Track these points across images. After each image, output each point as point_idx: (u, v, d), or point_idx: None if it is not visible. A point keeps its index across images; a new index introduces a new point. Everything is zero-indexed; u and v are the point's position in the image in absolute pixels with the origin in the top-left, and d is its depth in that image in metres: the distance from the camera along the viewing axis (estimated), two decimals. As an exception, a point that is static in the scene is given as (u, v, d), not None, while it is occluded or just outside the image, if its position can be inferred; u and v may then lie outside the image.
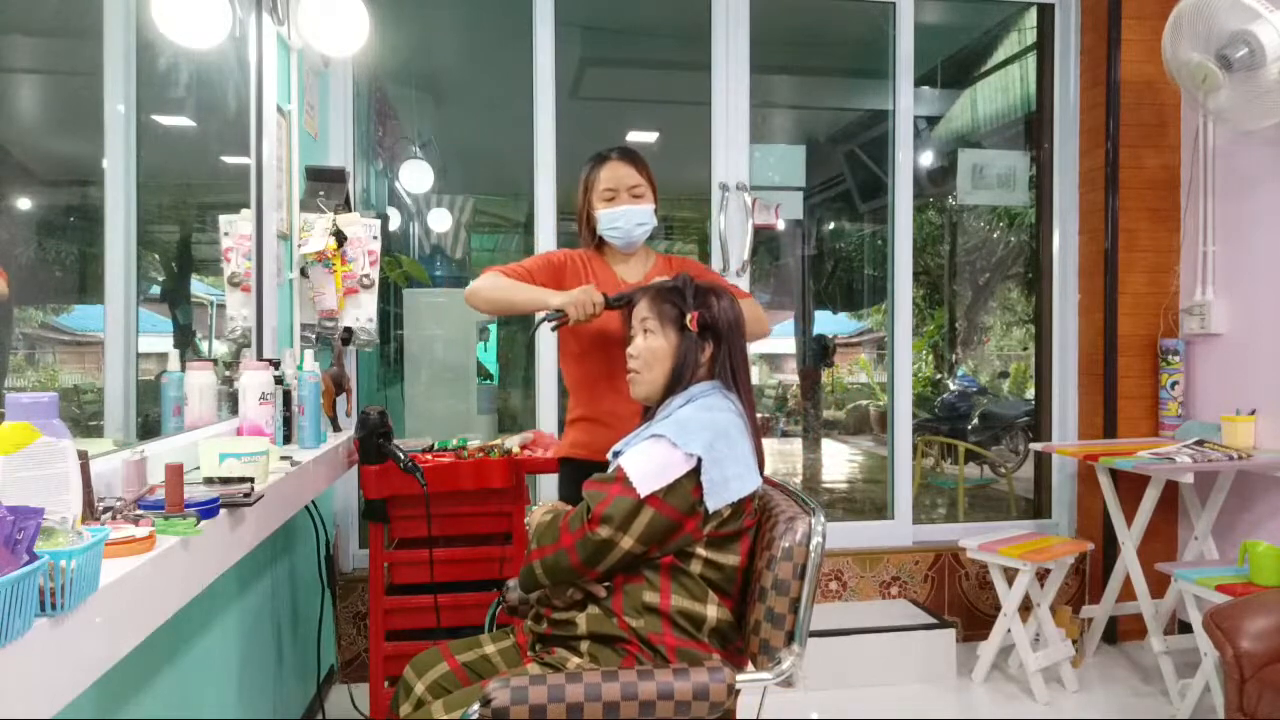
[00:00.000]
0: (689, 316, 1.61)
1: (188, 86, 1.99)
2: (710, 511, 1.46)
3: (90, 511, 1.11)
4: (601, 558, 1.46)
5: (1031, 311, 5.44)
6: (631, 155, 2.18)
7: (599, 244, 2.23)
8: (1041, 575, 3.13)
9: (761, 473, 1.61)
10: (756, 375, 10.69)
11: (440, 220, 5.21)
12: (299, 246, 2.48)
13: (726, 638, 1.53)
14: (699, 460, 1.46)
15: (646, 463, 1.47)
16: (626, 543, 1.44)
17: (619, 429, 1.80)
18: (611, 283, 2.17)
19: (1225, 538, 3.18)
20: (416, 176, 4.47)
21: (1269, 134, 3.00)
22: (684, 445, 1.46)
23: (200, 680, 1.73)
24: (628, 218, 2.13)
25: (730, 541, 1.51)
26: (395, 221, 4.80)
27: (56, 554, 0.84)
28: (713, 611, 1.49)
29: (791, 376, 10.29)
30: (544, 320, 2.00)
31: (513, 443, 2.39)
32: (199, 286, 2.21)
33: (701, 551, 1.49)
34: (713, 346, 1.62)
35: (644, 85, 5.45)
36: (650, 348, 1.63)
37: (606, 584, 1.52)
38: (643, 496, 1.44)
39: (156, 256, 1.99)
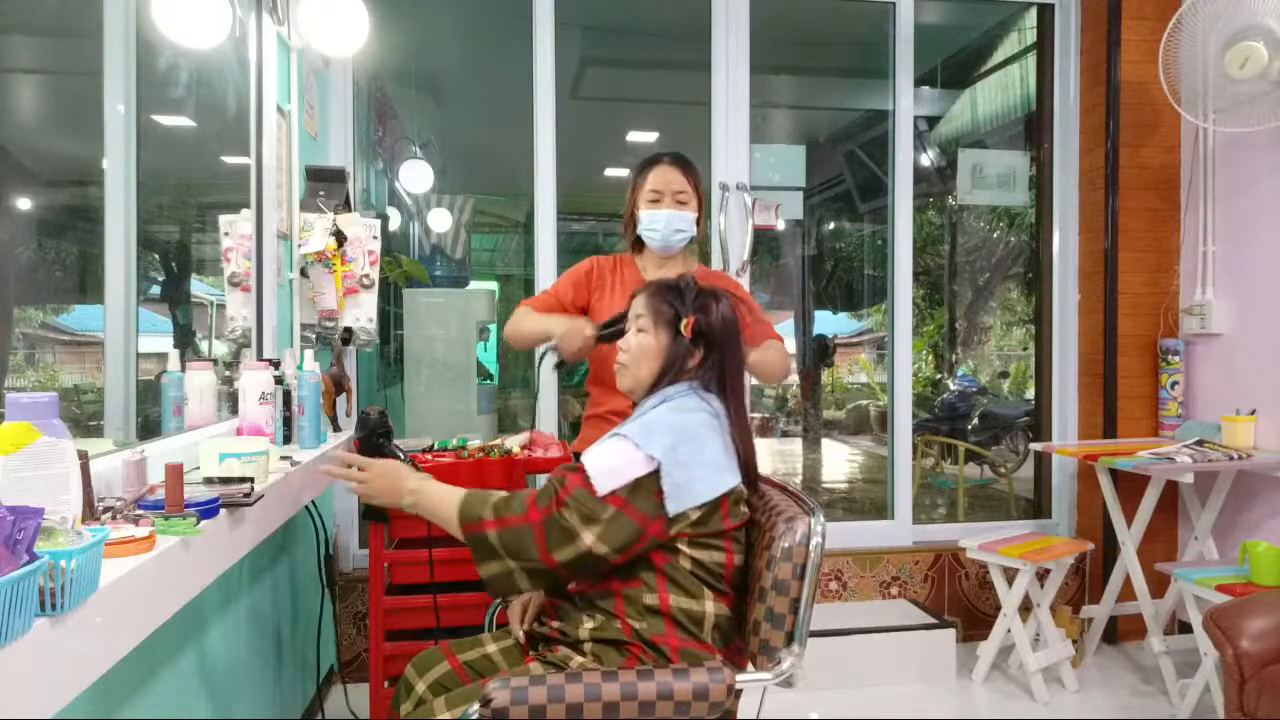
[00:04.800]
0: (684, 322, 1.58)
1: (188, 86, 1.99)
2: (672, 515, 1.43)
3: (90, 511, 1.11)
4: (564, 545, 1.42)
5: (1031, 311, 5.44)
6: (683, 162, 2.22)
7: (638, 247, 2.25)
8: (1041, 575, 3.13)
9: (749, 472, 1.57)
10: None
11: (440, 220, 5.21)
12: (299, 246, 2.48)
13: (727, 634, 1.52)
14: (660, 463, 1.43)
15: (604, 459, 1.45)
16: (589, 538, 1.41)
17: None
18: (639, 285, 2.21)
19: (1225, 538, 3.18)
20: (416, 176, 4.47)
21: (1269, 134, 3.01)
22: (645, 447, 1.44)
23: (200, 680, 1.73)
24: (668, 222, 2.18)
25: (713, 539, 1.49)
26: (395, 221, 4.81)
27: (56, 554, 0.84)
28: (710, 607, 1.48)
29: (792, 376, 10.28)
30: (545, 354, 2.02)
31: (513, 443, 2.38)
32: (199, 286, 2.20)
33: (686, 549, 1.47)
34: (704, 352, 1.59)
35: (644, 85, 5.46)
36: (640, 344, 1.61)
37: (579, 599, 1.50)
38: (600, 495, 1.41)
39: (156, 256, 1.99)
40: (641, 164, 2.26)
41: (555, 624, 1.55)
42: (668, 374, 1.58)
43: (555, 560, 1.43)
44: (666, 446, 1.44)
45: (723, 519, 1.49)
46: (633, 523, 1.42)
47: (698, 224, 2.25)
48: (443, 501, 1.53)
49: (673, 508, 1.43)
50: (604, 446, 1.49)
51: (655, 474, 1.43)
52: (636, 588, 1.47)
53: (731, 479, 1.50)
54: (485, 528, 1.46)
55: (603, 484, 1.42)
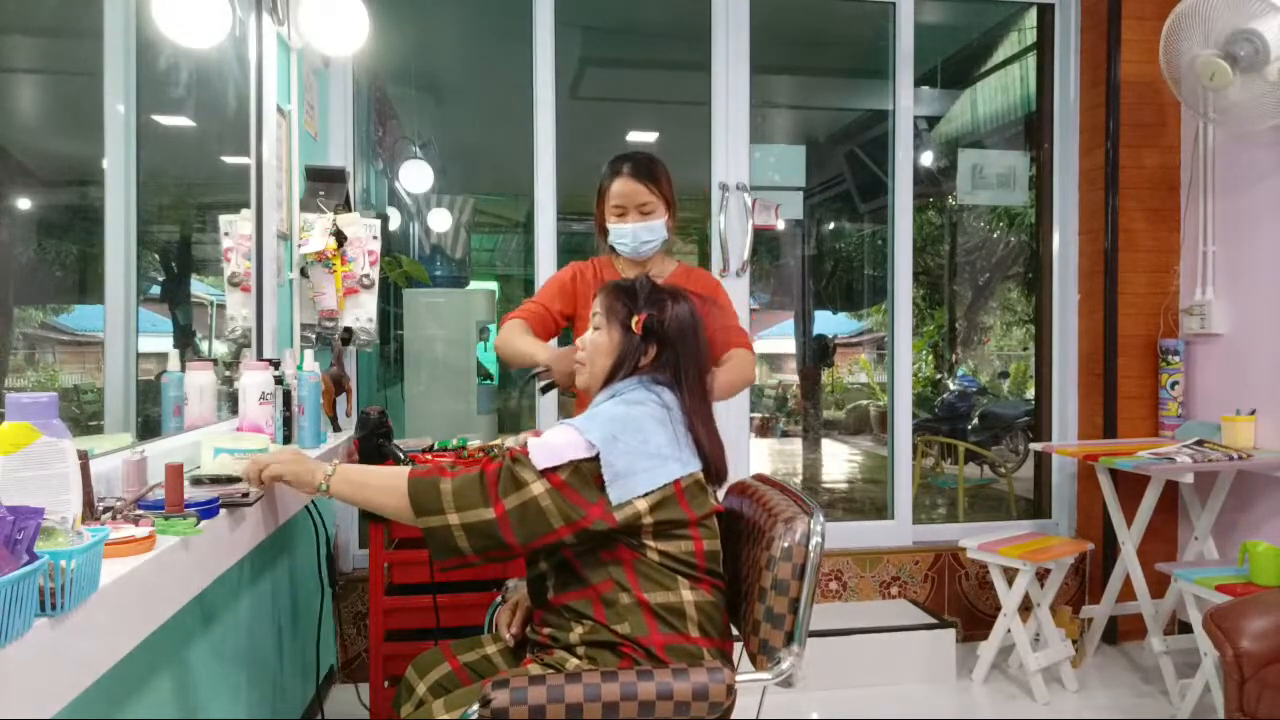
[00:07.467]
0: (635, 319, 1.60)
1: (188, 86, 1.99)
2: (616, 503, 1.44)
3: (90, 511, 1.11)
4: (513, 491, 1.43)
5: (1031, 311, 5.44)
6: (643, 170, 2.17)
7: (615, 248, 2.26)
8: (1041, 575, 3.13)
9: (712, 463, 1.57)
10: (756, 375, 10.70)
11: (440, 220, 5.21)
12: (299, 246, 2.48)
13: (714, 621, 1.52)
14: (599, 450, 1.45)
15: (546, 439, 1.48)
16: (538, 487, 1.43)
17: None
18: None
19: (1225, 538, 3.18)
20: (416, 176, 4.47)
21: (1269, 134, 3.00)
22: (586, 433, 1.46)
23: (200, 680, 1.73)
24: (634, 235, 2.18)
25: (678, 529, 1.49)
26: (395, 221, 4.81)
27: (56, 554, 0.84)
28: (687, 595, 1.48)
29: (791, 376, 10.30)
30: (534, 378, 2.05)
31: (513, 443, 2.38)
32: (199, 286, 2.21)
33: (651, 543, 1.48)
34: (657, 349, 1.61)
35: (644, 85, 5.45)
36: (595, 342, 1.64)
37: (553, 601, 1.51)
38: (540, 469, 1.43)
39: (156, 256, 2.00)
40: (605, 170, 2.22)
41: (546, 631, 1.55)
42: (620, 370, 1.61)
43: (504, 506, 1.43)
44: (607, 435, 1.46)
45: (683, 509, 1.49)
46: (571, 503, 1.43)
47: (672, 219, 2.22)
48: (377, 469, 1.56)
49: (615, 496, 1.44)
50: (550, 431, 1.51)
51: (595, 460, 1.44)
52: (611, 590, 1.48)
53: (679, 469, 1.50)
54: (439, 475, 1.48)
55: (539, 459, 1.44)
